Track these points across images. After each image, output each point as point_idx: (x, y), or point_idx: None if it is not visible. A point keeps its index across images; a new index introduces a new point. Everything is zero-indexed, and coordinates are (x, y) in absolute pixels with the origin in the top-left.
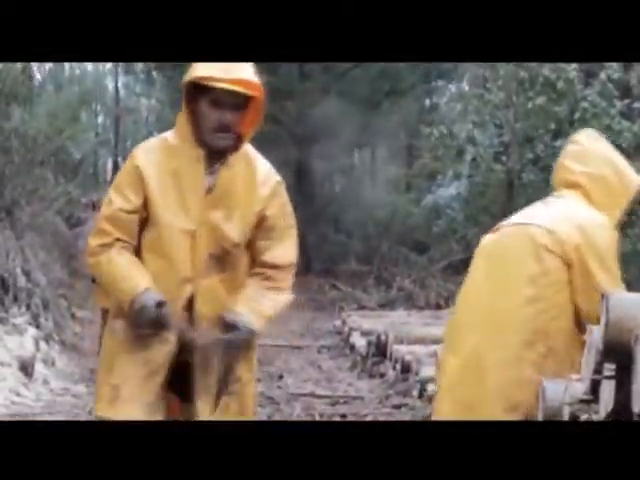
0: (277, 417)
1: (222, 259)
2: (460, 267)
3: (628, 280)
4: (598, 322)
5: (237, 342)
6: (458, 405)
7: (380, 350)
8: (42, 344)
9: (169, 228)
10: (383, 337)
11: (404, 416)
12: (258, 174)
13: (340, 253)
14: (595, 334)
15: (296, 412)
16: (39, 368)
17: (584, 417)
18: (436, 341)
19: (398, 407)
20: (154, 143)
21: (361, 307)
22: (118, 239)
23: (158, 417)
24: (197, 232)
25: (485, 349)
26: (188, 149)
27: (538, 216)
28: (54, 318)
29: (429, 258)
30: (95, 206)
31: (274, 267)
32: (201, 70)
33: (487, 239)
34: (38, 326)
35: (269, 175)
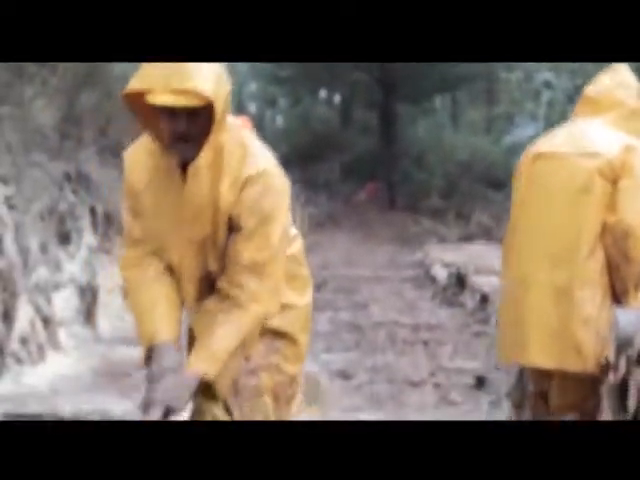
0: (363, 344)
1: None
2: None
3: None
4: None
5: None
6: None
7: (460, 281)
8: None
9: (161, 239)
10: (462, 269)
11: (482, 343)
12: (225, 174)
13: (423, 190)
14: None
15: (380, 339)
16: None
17: None
18: None
19: (477, 335)
20: (140, 144)
21: (442, 240)
22: (148, 253)
23: None
24: (182, 259)
25: (534, 269)
26: (162, 157)
27: (578, 140)
28: None
29: (506, 195)
30: None
31: (235, 267)
32: (139, 81)
33: (531, 163)
34: None
35: (240, 170)
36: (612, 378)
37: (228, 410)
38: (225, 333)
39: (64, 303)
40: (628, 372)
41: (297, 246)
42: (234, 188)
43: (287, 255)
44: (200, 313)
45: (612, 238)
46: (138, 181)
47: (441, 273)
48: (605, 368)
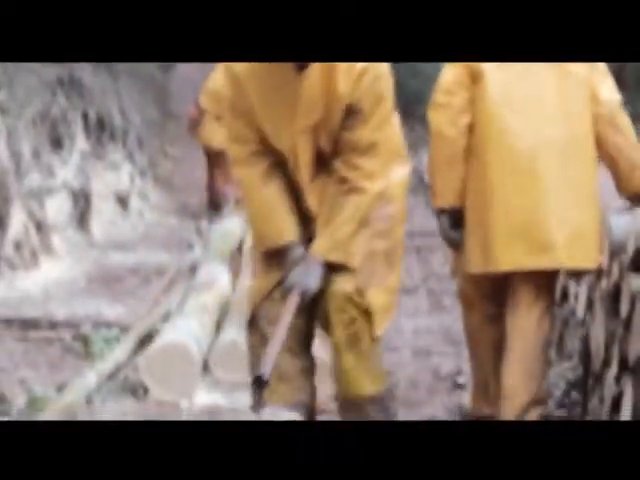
0: None
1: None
2: None
3: None
4: None
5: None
6: None
7: None
8: (137, 179)
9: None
10: None
11: None
12: (338, 66)
13: (416, 98)
14: None
15: None
16: (134, 201)
17: None
18: None
19: None
20: None
21: None
22: (254, 151)
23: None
24: (295, 146)
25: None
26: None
27: None
28: (148, 154)
29: None
30: None
31: (351, 151)
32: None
33: None
34: (133, 162)
35: (352, 65)
36: (605, 283)
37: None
38: (346, 218)
39: (57, 208)
40: (621, 277)
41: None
42: (348, 78)
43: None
44: (320, 198)
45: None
46: (245, 75)
47: None
48: (598, 273)
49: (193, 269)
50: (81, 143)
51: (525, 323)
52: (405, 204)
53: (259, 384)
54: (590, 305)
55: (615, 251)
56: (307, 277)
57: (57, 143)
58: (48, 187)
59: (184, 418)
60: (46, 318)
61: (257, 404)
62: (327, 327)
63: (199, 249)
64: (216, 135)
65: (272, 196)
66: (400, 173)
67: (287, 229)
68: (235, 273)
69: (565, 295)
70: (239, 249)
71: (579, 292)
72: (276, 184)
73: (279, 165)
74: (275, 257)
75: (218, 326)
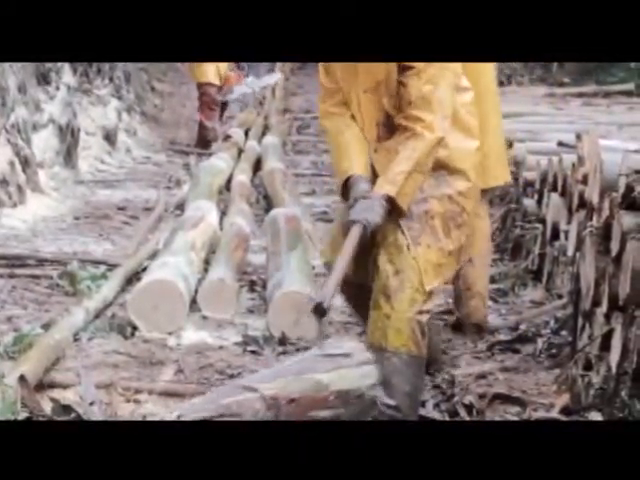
0: None
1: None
2: None
3: None
4: None
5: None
6: None
7: None
8: (124, 115)
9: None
10: None
11: None
12: None
13: None
14: None
15: None
16: (122, 137)
17: (639, 188)
18: None
19: None
20: None
21: None
22: (339, 103)
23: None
24: (361, 106)
25: None
26: None
27: None
28: (135, 90)
29: None
30: None
31: (407, 104)
32: None
33: None
34: (120, 98)
35: None
36: (595, 221)
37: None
38: (403, 158)
39: (44, 144)
40: (611, 215)
41: (468, 96)
42: None
43: (460, 103)
44: (381, 150)
45: None
46: None
47: None
48: (589, 211)
49: (181, 206)
50: (67, 78)
51: (483, 225)
52: (476, 182)
53: (319, 312)
54: (580, 243)
55: (606, 188)
56: (369, 211)
57: (43, 77)
58: (34, 122)
59: (172, 355)
60: (33, 255)
61: (319, 335)
62: (373, 275)
63: (187, 186)
64: (209, 70)
65: (350, 139)
66: (466, 145)
67: (357, 165)
68: (223, 210)
69: (555, 234)
70: (227, 186)
71: (569, 230)
72: (354, 131)
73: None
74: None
75: (206, 264)
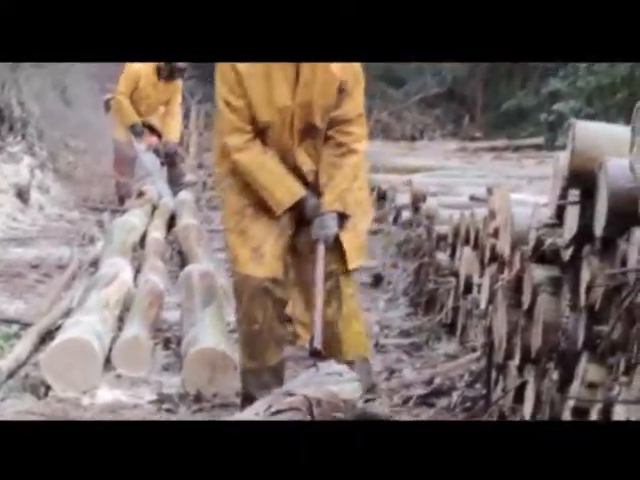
0: None
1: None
2: (434, 101)
3: None
4: None
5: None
6: None
7: None
8: (37, 172)
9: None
10: None
11: (379, 242)
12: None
13: None
14: (561, 161)
15: None
16: (34, 195)
17: (549, 241)
18: (411, 170)
19: (374, 233)
20: None
21: None
22: (250, 137)
23: (284, 274)
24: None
25: None
26: None
27: None
28: (48, 147)
29: (405, 92)
30: None
31: (344, 122)
32: None
33: None
34: (33, 154)
35: None
36: (507, 274)
37: None
38: (345, 176)
39: None
40: (522, 268)
41: None
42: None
43: None
44: (308, 158)
45: None
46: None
47: None
48: (500, 265)
49: (95, 263)
50: None
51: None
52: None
53: (316, 355)
54: (492, 296)
55: (516, 241)
56: (325, 228)
57: None
58: None
59: (86, 414)
60: None
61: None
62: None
63: (101, 243)
64: (123, 125)
65: (273, 166)
66: None
67: (296, 187)
68: (137, 267)
69: (468, 287)
70: (141, 243)
71: (482, 283)
72: (271, 155)
73: (262, 134)
74: (289, 216)
75: (120, 321)
